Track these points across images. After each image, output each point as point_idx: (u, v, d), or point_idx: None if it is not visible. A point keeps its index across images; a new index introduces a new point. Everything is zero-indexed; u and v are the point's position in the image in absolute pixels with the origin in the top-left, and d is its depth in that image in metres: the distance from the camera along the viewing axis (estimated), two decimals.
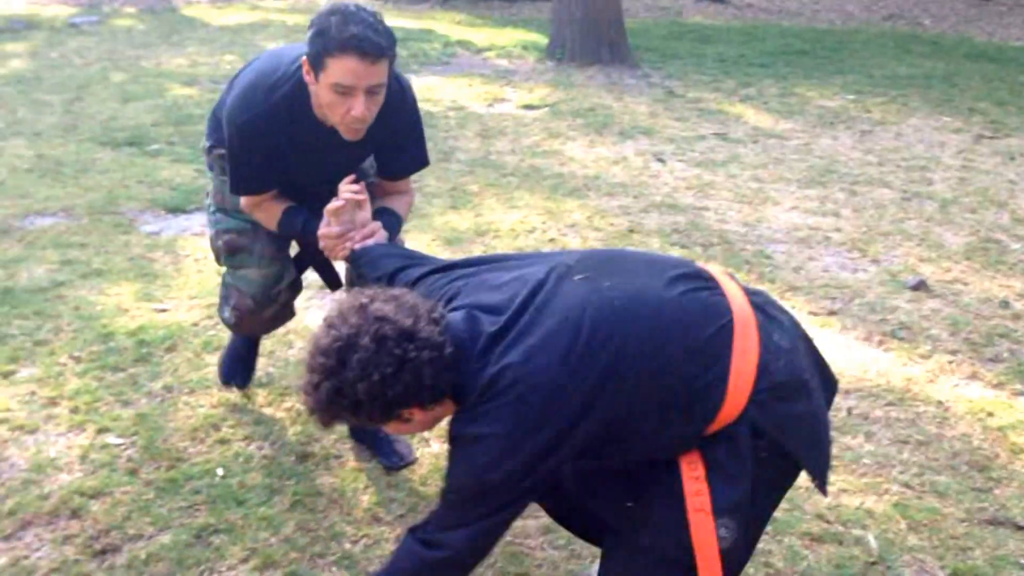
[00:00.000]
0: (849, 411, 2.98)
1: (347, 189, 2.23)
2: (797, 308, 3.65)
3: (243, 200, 2.46)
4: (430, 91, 7.09)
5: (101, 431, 2.78)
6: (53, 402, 2.91)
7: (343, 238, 2.22)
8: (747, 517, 1.70)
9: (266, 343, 3.29)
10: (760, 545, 2.34)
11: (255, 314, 2.61)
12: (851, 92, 7.30)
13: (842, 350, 3.35)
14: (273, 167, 2.37)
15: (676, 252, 4.20)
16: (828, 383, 1.84)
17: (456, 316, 1.72)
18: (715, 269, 1.81)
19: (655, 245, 4.27)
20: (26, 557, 2.27)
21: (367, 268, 2.15)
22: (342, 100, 2.15)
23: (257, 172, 2.38)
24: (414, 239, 4.25)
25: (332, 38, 2.08)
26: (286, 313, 2.71)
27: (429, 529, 1.75)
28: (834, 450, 2.74)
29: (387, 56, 2.14)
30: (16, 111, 6.25)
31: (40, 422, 2.81)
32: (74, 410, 2.87)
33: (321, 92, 2.18)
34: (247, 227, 2.56)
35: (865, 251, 4.26)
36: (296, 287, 2.68)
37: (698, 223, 4.57)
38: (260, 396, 2.98)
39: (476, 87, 7.22)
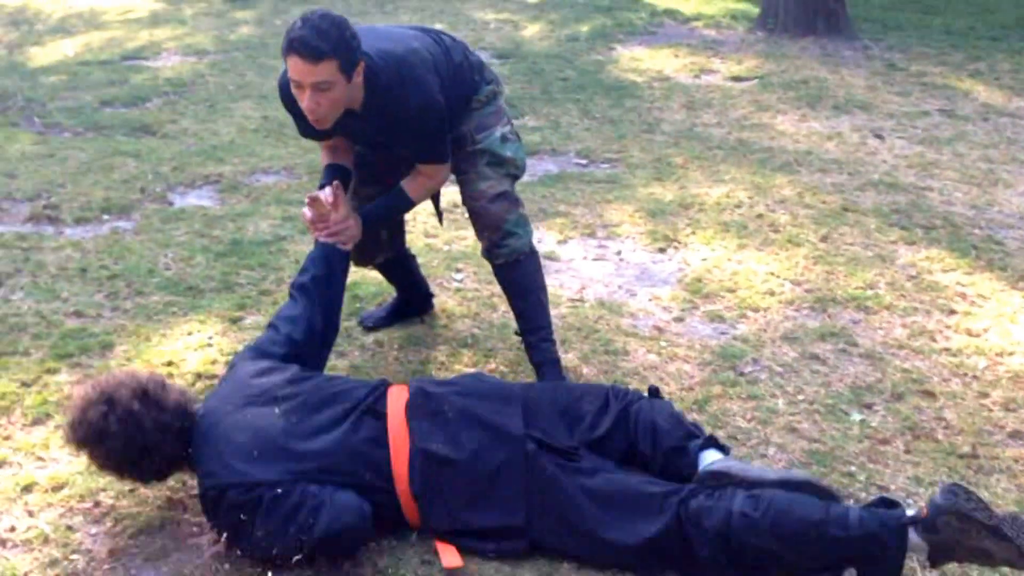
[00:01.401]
0: None
1: (323, 192, 2.63)
2: None
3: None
4: (635, 61, 7.01)
5: None
6: None
7: (314, 225, 2.65)
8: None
9: (471, 305, 3.36)
10: None
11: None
12: None
13: None
14: (310, 124, 2.64)
15: (895, 233, 3.98)
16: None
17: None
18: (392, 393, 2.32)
19: (871, 225, 4.05)
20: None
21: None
22: (299, 93, 2.44)
23: (298, 123, 2.71)
24: (617, 210, 4.23)
25: (285, 38, 2.39)
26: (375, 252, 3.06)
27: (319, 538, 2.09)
28: None
29: (326, 58, 2.35)
30: (245, 75, 6.64)
31: None
32: None
33: None
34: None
35: None
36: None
37: (920, 204, 4.30)
38: (465, 356, 3.05)
39: (683, 57, 7.07)
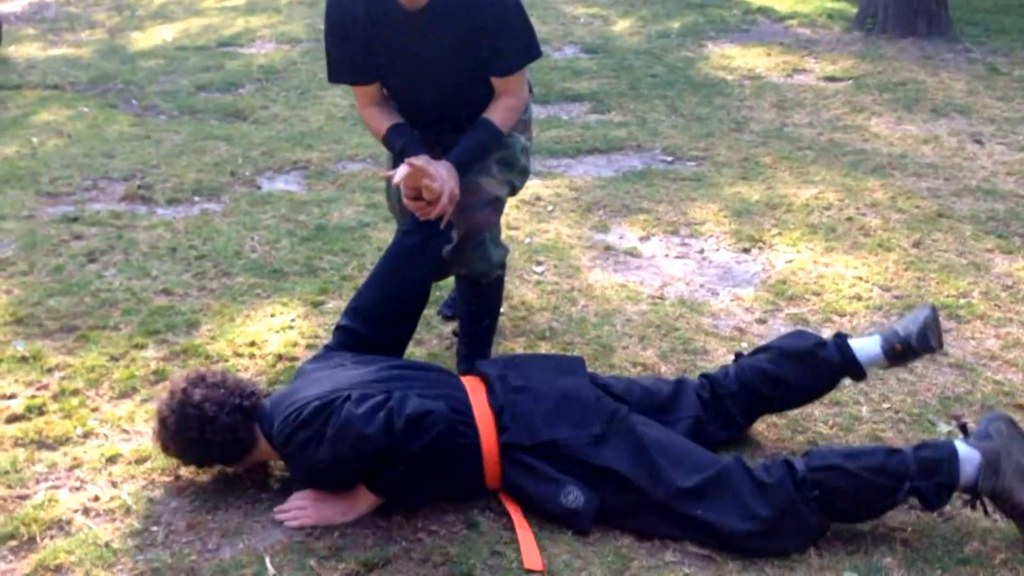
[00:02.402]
0: None
1: (400, 170, 2.37)
2: None
3: (357, 101, 2.68)
4: (726, 59, 6.91)
5: None
6: None
7: (422, 209, 2.43)
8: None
9: (550, 299, 3.35)
10: None
11: None
12: None
13: None
14: (360, 55, 2.54)
15: (991, 241, 3.84)
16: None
17: (266, 402, 2.31)
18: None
19: (967, 232, 3.92)
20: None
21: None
22: None
23: (342, 56, 2.58)
24: (702, 208, 4.17)
25: None
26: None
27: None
28: None
29: None
30: None
31: None
32: None
33: None
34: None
35: None
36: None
37: (1019, 212, 4.14)
38: (543, 349, 3.03)
39: (775, 56, 6.94)
